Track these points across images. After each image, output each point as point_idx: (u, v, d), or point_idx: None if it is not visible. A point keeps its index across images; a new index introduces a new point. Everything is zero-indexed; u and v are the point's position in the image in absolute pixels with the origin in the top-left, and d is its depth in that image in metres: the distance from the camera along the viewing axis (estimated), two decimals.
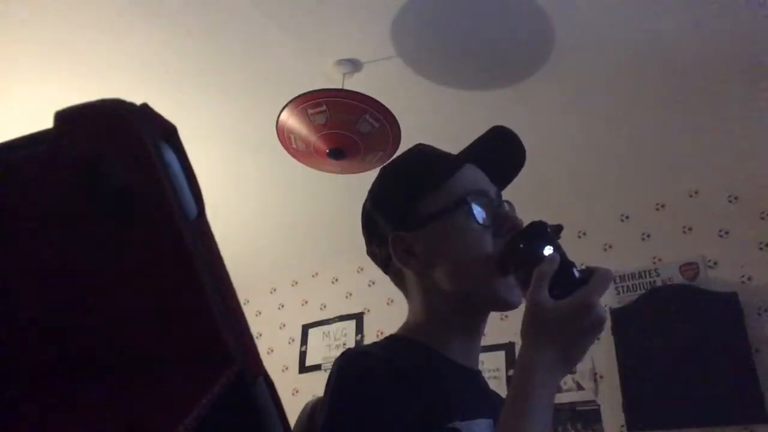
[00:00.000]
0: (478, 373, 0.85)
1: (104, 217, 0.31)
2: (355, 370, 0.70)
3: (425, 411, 0.68)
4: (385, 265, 0.88)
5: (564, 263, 0.71)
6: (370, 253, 0.90)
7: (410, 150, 0.91)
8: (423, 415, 0.68)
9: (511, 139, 0.87)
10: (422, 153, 0.89)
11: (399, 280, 0.88)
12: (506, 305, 0.79)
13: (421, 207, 0.82)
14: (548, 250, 0.72)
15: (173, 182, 0.30)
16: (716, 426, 2.75)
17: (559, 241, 0.74)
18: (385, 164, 0.91)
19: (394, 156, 0.92)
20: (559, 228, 0.75)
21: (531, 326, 0.69)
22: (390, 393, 0.68)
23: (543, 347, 0.67)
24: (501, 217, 0.80)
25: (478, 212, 0.79)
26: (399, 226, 0.83)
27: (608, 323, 3.14)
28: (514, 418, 0.64)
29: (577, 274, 0.70)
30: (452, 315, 0.81)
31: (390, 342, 0.82)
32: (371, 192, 0.90)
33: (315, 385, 3.64)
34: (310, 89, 2.19)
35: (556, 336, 0.67)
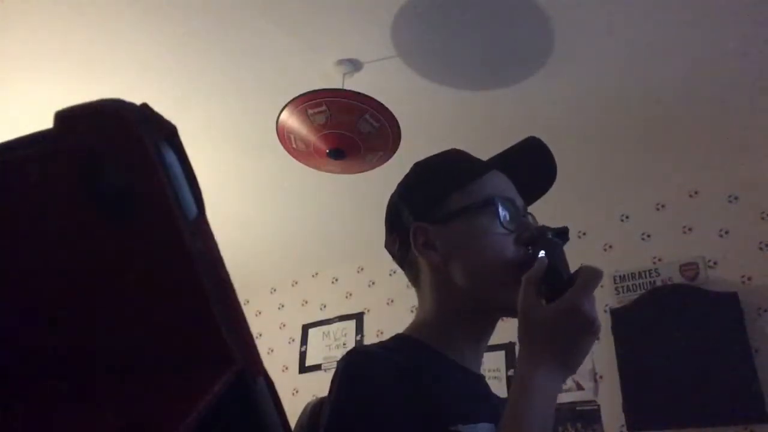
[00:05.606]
0: (482, 376, 0.85)
1: (104, 217, 0.31)
2: (358, 370, 0.70)
3: (428, 413, 0.68)
4: (401, 257, 0.88)
5: (552, 266, 0.69)
6: (388, 244, 0.90)
7: (444, 151, 0.92)
8: (426, 417, 0.68)
9: (544, 154, 0.87)
10: (455, 154, 0.90)
11: (413, 275, 0.87)
12: (515, 313, 0.79)
13: (448, 202, 0.82)
14: (541, 254, 0.72)
15: (173, 182, 0.31)
16: (716, 426, 2.74)
17: (566, 243, 0.74)
18: (418, 161, 0.92)
19: (429, 157, 0.93)
20: (561, 230, 0.75)
21: (523, 334, 0.69)
22: (393, 394, 0.68)
23: (536, 355, 0.67)
24: (524, 226, 0.80)
25: (504, 216, 0.79)
26: (423, 217, 0.83)
27: (608, 323, 3.15)
28: (513, 427, 0.64)
29: (566, 275, 0.69)
30: (462, 315, 0.81)
31: (396, 342, 0.81)
32: (400, 183, 0.91)
33: (315, 385, 3.63)
34: (310, 89, 2.19)
35: (548, 342, 0.67)
